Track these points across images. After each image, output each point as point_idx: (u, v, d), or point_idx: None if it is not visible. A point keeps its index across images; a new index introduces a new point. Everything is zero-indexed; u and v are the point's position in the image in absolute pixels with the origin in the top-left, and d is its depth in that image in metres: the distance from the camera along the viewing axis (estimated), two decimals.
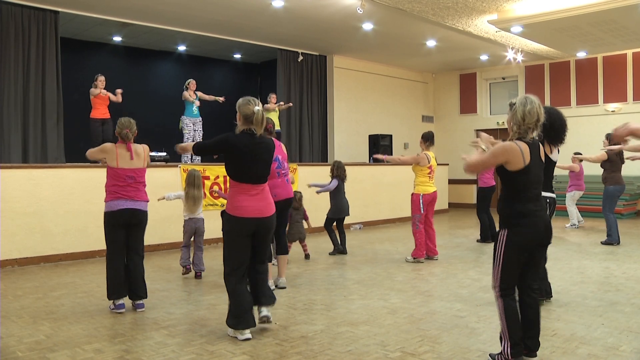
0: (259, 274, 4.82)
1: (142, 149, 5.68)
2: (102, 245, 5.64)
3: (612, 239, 9.34)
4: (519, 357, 3.84)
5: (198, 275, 7.16)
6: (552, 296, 5.70)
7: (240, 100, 4.67)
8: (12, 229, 7.96)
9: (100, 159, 5.71)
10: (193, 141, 11.11)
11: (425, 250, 8.15)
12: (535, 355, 3.93)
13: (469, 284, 6.54)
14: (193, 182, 7.15)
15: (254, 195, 4.60)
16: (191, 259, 7.20)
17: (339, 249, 8.86)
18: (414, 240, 8.12)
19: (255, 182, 4.63)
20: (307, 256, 8.55)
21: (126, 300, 5.63)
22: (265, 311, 4.77)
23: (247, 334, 4.56)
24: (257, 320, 4.71)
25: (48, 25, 10.51)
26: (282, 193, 6.13)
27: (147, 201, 5.69)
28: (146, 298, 5.67)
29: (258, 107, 4.60)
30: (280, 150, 6.32)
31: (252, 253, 4.71)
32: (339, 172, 8.87)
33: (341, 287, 6.50)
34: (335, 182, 8.79)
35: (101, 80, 10.23)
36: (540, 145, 3.97)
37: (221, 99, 11.33)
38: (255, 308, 4.73)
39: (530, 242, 3.82)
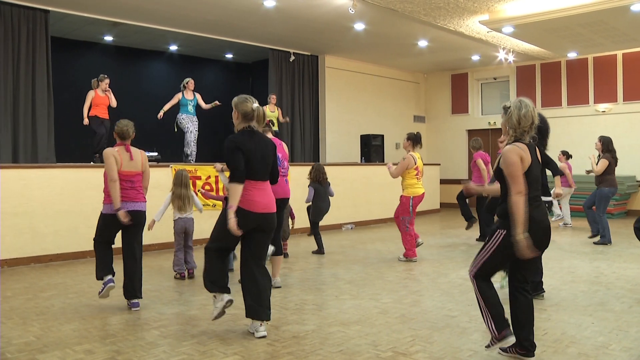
0: (262, 277, 4.67)
1: (139, 153, 5.72)
2: (92, 245, 5.65)
3: (606, 240, 9.41)
4: (506, 330, 3.86)
5: (191, 273, 7.17)
6: (544, 291, 5.79)
7: (235, 98, 4.68)
8: (2, 230, 7.90)
9: (115, 166, 5.48)
10: (192, 135, 10.97)
11: (416, 251, 8.16)
12: (533, 355, 3.92)
13: (461, 284, 6.55)
14: (180, 182, 7.16)
15: (261, 191, 4.62)
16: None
17: (322, 251, 8.89)
18: (403, 242, 8.13)
19: (260, 178, 4.63)
20: (285, 254, 8.60)
21: (121, 300, 5.67)
22: (262, 330, 4.62)
23: (227, 296, 4.64)
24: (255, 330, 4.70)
25: (38, 25, 10.44)
26: (279, 191, 6.13)
27: (145, 202, 5.73)
28: (141, 298, 5.68)
29: (257, 104, 4.64)
30: (281, 149, 6.45)
31: (250, 251, 4.68)
32: (316, 175, 8.88)
33: (332, 287, 6.50)
34: (311, 190, 8.82)
35: (106, 82, 10.11)
36: (537, 147, 4.00)
37: (217, 102, 11.18)
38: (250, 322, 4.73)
39: None
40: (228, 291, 4.70)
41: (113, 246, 5.70)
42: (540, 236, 3.86)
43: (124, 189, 5.49)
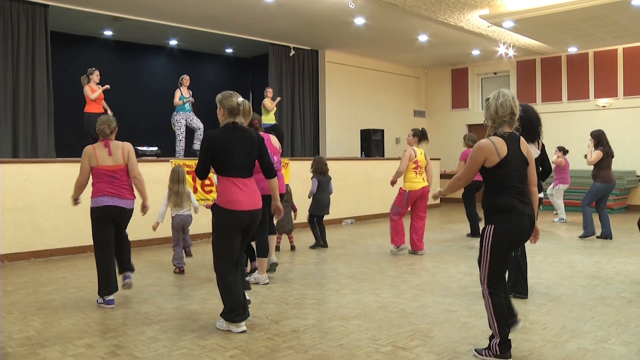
0: (236, 276, 4.78)
1: (121, 146, 5.59)
2: (94, 256, 5.65)
3: (588, 232, 9.46)
4: (506, 353, 3.86)
5: (188, 252, 7.29)
6: (526, 297, 5.54)
7: (219, 95, 4.67)
8: (2, 224, 7.90)
9: (87, 166, 5.53)
10: (184, 137, 10.98)
11: (404, 238, 8.19)
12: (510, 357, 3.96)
13: (460, 278, 6.56)
14: (177, 178, 7.15)
15: (244, 189, 4.60)
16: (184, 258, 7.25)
17: (320, 243, 8.94)
18: (390, 229, 8.22)
19: (243, 175, 4.62)
20: (292, 247, 8.79)
21: (122, 295, 5.70)
22: (246, 295, 4.80)
23: (243, 326, 4.59)
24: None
25: (38, 19, 10.41)
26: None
27: (133, 199, 5.65)
28: (133, 270, 5.84)
29: (242, 99, 4.64)
30: (269, 143, 6.41)
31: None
32: (318, 166, 8.94)
33: (333, 282, 6.51)
34: (315, 182, 8.87)
35: (96, 74, 10.10)
36: (522, 139, 3.97)
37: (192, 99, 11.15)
38: None
39: (516, 238, 3.84)
40: (247, 316, 4.67)
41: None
42: (526, 226, 3.86)
43: (106, 183, 5.47)
